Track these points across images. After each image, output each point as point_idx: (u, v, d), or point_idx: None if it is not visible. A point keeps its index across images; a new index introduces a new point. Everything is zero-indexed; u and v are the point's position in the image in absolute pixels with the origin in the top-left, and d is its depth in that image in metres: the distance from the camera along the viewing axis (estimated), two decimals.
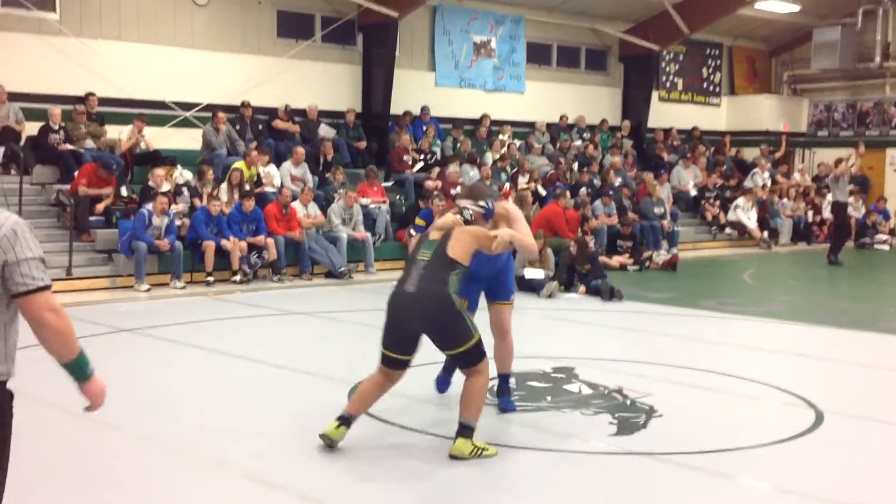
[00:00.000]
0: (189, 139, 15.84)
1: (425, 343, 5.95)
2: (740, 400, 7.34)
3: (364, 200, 15.29)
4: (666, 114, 22.92)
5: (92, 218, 13.11)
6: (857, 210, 21.24)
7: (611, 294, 12.39)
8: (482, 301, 6.97)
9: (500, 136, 19.02)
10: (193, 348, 9.07)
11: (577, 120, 21.01)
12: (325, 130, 16.97)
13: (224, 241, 13.06)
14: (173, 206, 13.25)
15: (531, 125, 20.20)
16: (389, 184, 16.81)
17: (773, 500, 5.25)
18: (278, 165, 15.50)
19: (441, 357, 6.57)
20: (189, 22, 16.16)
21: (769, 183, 21.40)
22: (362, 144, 17.46)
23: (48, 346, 3.35)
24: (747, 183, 21.19)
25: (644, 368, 8.22)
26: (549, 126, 20.37)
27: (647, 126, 22.25)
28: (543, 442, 6.08)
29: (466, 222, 6.12)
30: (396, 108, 18.06)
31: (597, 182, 18.52)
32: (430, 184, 16.21)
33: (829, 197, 17.69)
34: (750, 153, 22.92)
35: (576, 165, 18.99)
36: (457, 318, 5.73)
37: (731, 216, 20.06)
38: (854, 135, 24.11)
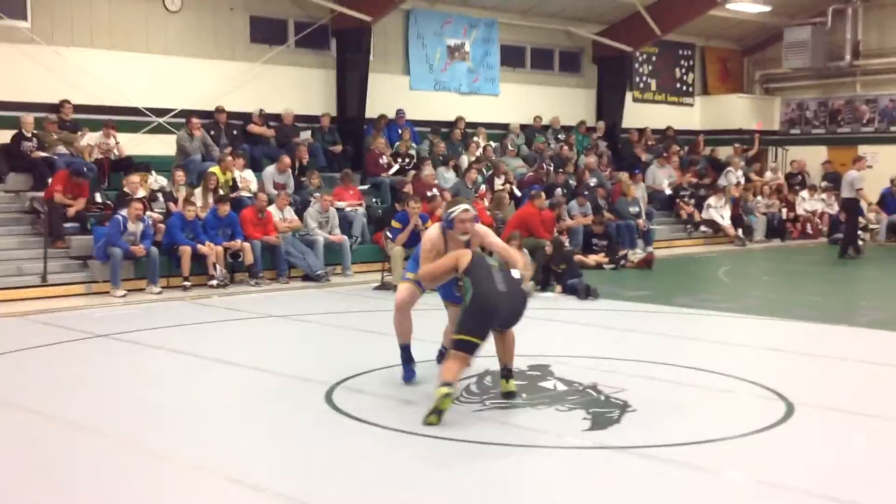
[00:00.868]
0: (163, 145, 15.81)
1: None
2: (713, 394, 7.43)
3: (340, 204, 15.32)
4: (640, 114, 23.08)
5: (66, 224, 13.07)
6: (830, 206, 21.49)
7: (586, 293, 12.48)
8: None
9: (475, 139, 19.09)
10: (170, 352, 9.06)
11: (551, 121, 21.13)
12: (305, 135, 16.98)
13: (200, 246, 13.04)
14: (148, 213, 13.22)
15: (506, 127, 20.29)
16: (365, 187, 16.84)
17: (746, 490, 5.33)
18: (254, 170, 15.49)
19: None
20: (162, 28, 16.13)
21: (743, 181, 21.59)
22: (338, 148, 17.48)
23: None
24: (721, 181, 21.38)
25: (619, 365, 8.29)
26: (523, 127, 20.49)
27: (622, 126, 22.40)
28: (518, 438, 6.13)
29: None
30: (371, 111, 18.10)
31: (572, 182, 18.63)
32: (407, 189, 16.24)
33: (845, 193, 17.78)
34: (724, 152, 23.11)
35: (551, 166, 19.08)
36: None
37: (705, 214, 20.23)
38: (826, 132, 24.39)
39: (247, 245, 13.52)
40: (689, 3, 21.17)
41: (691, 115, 24.76)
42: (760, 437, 6.18)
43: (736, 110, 24.62)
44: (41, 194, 13.32)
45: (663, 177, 20.83)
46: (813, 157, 23.83)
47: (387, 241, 13.95)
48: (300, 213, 14.85)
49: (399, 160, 17.48)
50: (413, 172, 17.01)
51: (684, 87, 24.72)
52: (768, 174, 22.91)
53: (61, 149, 14.10)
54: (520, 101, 20.95)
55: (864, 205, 18.52)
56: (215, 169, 14.64)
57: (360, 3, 17.44)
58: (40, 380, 7.91)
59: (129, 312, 11.51)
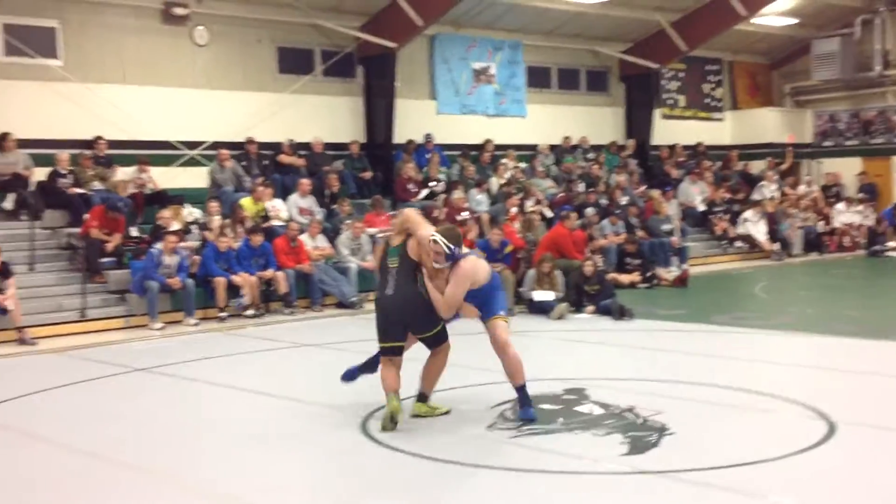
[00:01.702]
0: (196, 177, 16.00)
1: None
2: (752, 414, 7.34)
3: (371, 230, 15.36)
4: (670, 131, 22.99)
5: (103, 259, 13.22)
6: (867, 218, 21.21)
7: (621, 313, 12.40)
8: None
9: (503, 161, 19.11)
10: (207, 384, 9.11)
11: (580, 140, 21.10)
12: (338, 164, 17.10)
13: (234, 277, 13.14)
14: (182, 245, 13.35)
15: (534, 148, 20.29)
16: (395, 213, 16.86)
17: None
18: (285, 199, 15.61)
19: None
20: (191, 62, 16.35)
21: (777, 195, 21.40)
22: (367, 175, 17.58)
23: None
24: (755, 195, 21.20)
25: (656, 386, 8.22)
26: (552, 148, 20.47)
27: (652, 143, 22.32)
28: (555, 464, 6.08)
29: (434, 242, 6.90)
30: (400, 137, 18.21)
31: (604, 202, 18.57)
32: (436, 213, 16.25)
33: None
34: (756, 166, 22.96)
35: (581, 186, 19.04)
36: (428, 308, 7.06)
37: (741, 229, 20.05)
38: (859, 143, 24.13)
39: (280, 274, 13.60)
40: (714, 18, 21.08)
41: (722, 130, 24.61)
42: (803, 457, 6.09)
43: (767, 124, 24.44)
44: (78, 230, 13.50)
45: (696, 193, 20.70)
46: (847, 169, 23.57)
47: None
48: (332, 240, 14.91)
49: (429, 185, 17.53)
50: (443, 196, 17.05)
51: (713, 103, 24.59)
52: (802, 187, 22.68)
53: (97, 184, 14.30)
54: (547, 121, 20.96)
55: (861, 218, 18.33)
56: (245, 200, 14.76)
57: (385, 30, 17.59)
58: (80, 415, 7.97)
59: (167, 345, 11.61)
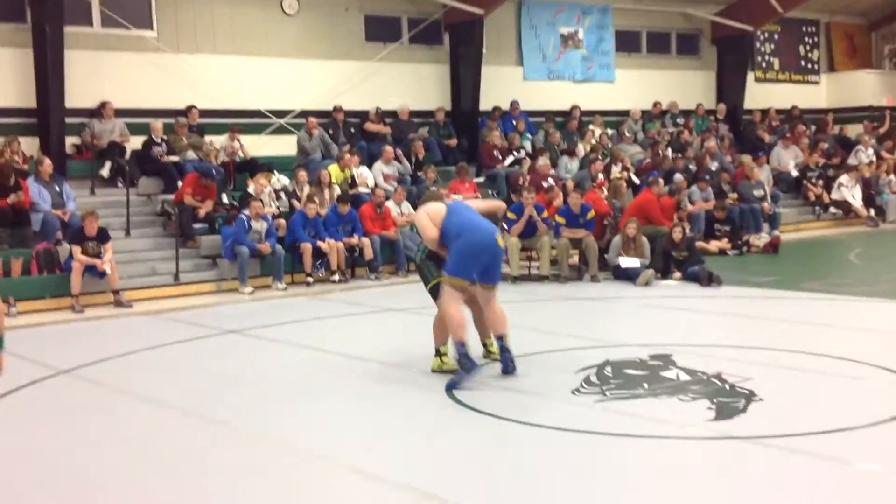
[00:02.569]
0: (285, 145, 16.25)
1: None
2: (844, 381, 7.17)
3: (457, 197, 15.37)
4: (763, 94, 22.37)
5: (196, 225, 13.57)
6: None
7: (709, 279, 12.19)
8: None
9: (590, 127, 18.88)
10: (296, 347, 9.30)
11: (669, 105, 20.71)
12: (423, 131, 17.19)
13: (321, 243, 13.34)
14: (267, 210, 13.61)
15: (623, 114, 20.00)
16: (481, 179, 16.88)
17: (882, 480, 5.12)
18: (369, 167, 15.75)
19: None
20: (280, 32, 16.55)
21: (874, 160, 20.66)
22: (453, 142, 17.60)
23: None
24: (851, 160, 20.51)
25: (743, 353, 8.08)
26: (643, 113, 20.15)
27: (744, 108, 21.78)
28: (640, 429, 6.04)
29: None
30: (486, 104, 18.14)
31: (692, 167, 18.22)
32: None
33: None
34: (853, 130, 22.18)
35: (669, 151, 18.71)
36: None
37: (836, 195, 19.44)
38: None
39: (366, 240, 13.75)
40: None
41: (817, 94, 23.84)
42: (893, 425, 5.93)
43: (865, 87, 23.57)
44: (171, 197, 13.86)
45: (789, 158, 20.12)
46: None
47: (503, 233, 13.94)
48: (418, 207, 14.97)
49: (514, 153, 17.45)
50: (528, 163, 16.97)
51: (809, 65, 23.80)
52: None
53: (190, 153, 14.65)
54: (636, 86, 20.61)
55: None
56: (332, 168, 14.95)
57: None
58: (176, 375, 8.24)
59: (257, 308, 11.88)
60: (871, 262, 14.67)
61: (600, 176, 16.49)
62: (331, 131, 16.27)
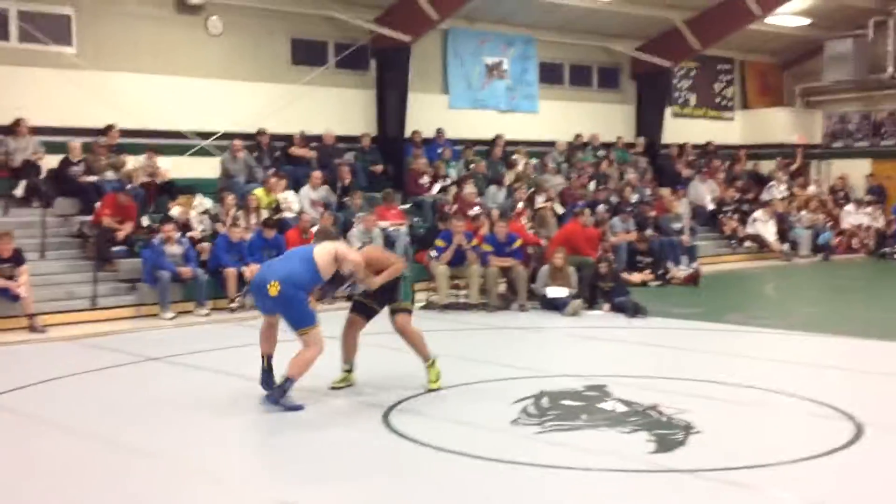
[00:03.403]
0: (208, 167, 15.90)
1: None
2: (778, 413, 7.28)
3: (383, 223, 15.29)
4: (680, 129, 22.89)
5: (115, 248, 13.14)
6: (875, 220, 21.14)
7: (635, 311, 12.34)
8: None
9: (515, 157, 19.03)
10: (220, 374, 9.03)
11: (591, 138, 21.02)
12: (349, 156, 17.05)
13: (244, 268, 13.06)
14: (188, 234, 13.27)
15: (545, 144, 20.21)
16: (407, 206, 16.82)
17: None
18: (296, 191, 15.54)
19: None
20: (204, 52, 16.26)
21: (787, 195, 21.32)
22: (379, 168, 17.51)
23: None
24: (765, 196, 21.13)
25: (676, 385, 8.16)
26: (568, 144, 20.42)
27: (662, 142, 22.25)
28: (582, 461, 6.02)
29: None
30: (411, 131, 18.13)
31: (614, 199, 18.50)
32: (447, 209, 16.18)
33: None
34: (766, 166, 22.88)
35: (592, 184, 18.97)
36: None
37: (751, 229, 19.97)
38: (870, 145, 24.05)
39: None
40: (728, 18, 20.94)
41: (732, 130, 24.52)
42: (832, 458, 6.03)
43: (777, 124, 24.35)
44: (89, 218, 13.42)
45: (706, 192, 20.62)
46: (856, 171, 23.50)
47: (431, 260, 13.90)
48: (344, 233, 14.82)
49: (440, 180, 17.46)
50: (454, 191, 16.99)
51: (724, 102, 24.50)
52: (812, 188, 22.61)
53: (109, 173, 14.21)
54: (559, 117, 20.87)
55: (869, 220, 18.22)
56: (258, 191, 14.69)
57: (399, 23, 17.51)
58: (95, 404, 7.89)
59: (180, 334, 11.54)
60: (787, 294, 15.08)
61: (520, 205, 16.58)
62: (255, 154, 16.02)
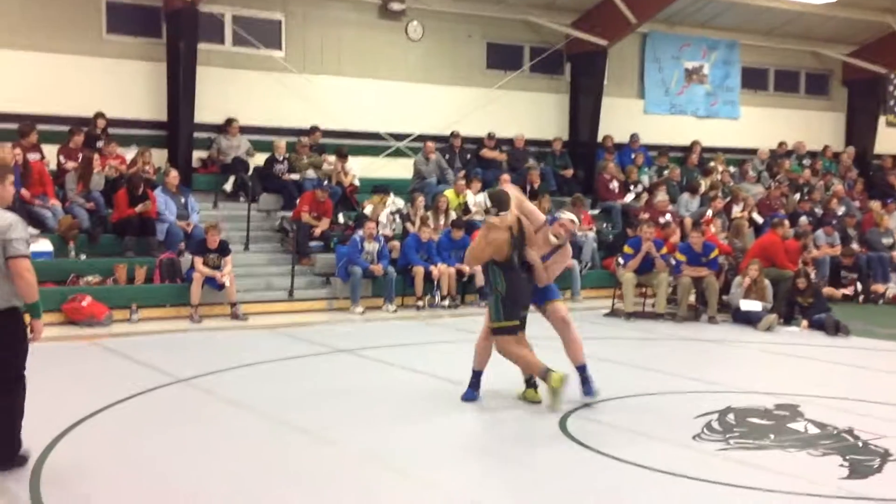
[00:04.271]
0: (401, 168, 16.34)
1: None
2: None
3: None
4: (895, 139, 21.47)
5: (311, 243, 13.73)
6: None
7: (836, 329, 11.66)
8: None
9: (711, 163, 18.42)
10: (405, 370, 9.22)
11: (795, 146, 20.06)
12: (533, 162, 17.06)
13: (432, 268, 13.30)
14: (383, 231, 13.67)
15: (745, 152, 19.47)
16: (596, 212, 16.63)
17: None
18: None
19: None
20: (403, 56, 16.70)
21: None
22: (569, 172, 17.41)
23: (21, 291, 5.55)
24: None
25: (875, 408, 7.64)
26: (770, 153, 19.59)
27: (874, 152, 20.94)
28: (767, 482, 5.72)
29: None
30: (603, 135, 17.91)
31: (818, 211, 17.57)
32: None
33: None
34: None
35: (796, 195, 18.10)
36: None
37: None
38: None
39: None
40: None
41: None
42: None
43: None
44: (290, 214, 14.07)
45: None
46: None
47: (618, 267, 13.67)
48: None
49: (632, 186, 17.16)
50: (646, 198, 16.64)
51: None
52: None
53: (310, 172, 14.85)
54: (761, 124, 20.07)
55: None
56: (448, 192, 14.94)
57: (596, 27, 17.35)
58: (289, 390, 8.24)
59: (368, 329, 11.89)
60: None
61: (709, 213, 16.00)
62: (447, 156, 16.30)
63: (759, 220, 16.47)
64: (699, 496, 5.52)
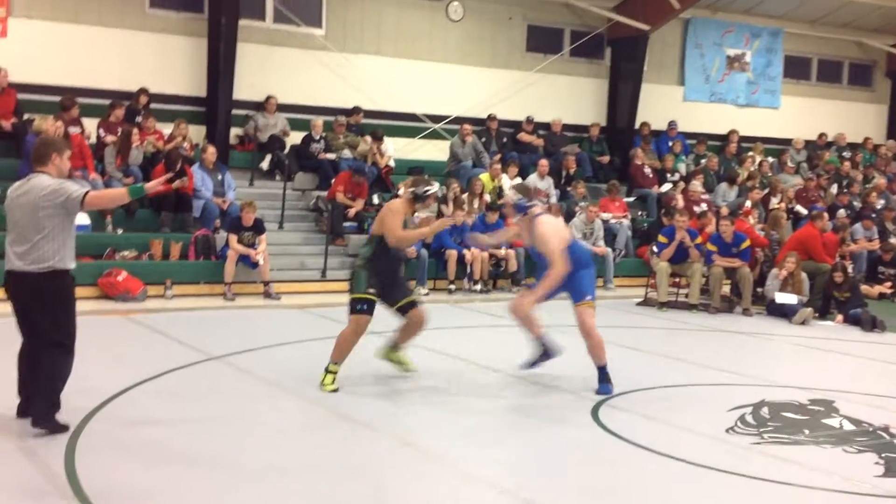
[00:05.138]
0: (437, 150, 16.32)
1: None
2: None
3: (605, 215, 15.09)
4: None
5: (346, 224, 13.75)
6: None
7: (872, 324, 11.52)
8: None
9: (750, 153, 18.21)
10: (433, 353, 9.21)
11: (836, 138, 19.78)
12: (572, 147, 16.96)
13: (465, 252, 13.28)
14: (416, 214, 13.61)
15: (785, 142, 19.23)
16: (631, 199, 16.51)
17: None
18: (522, 177, 15.60)
19: None
20: (443, 37, 16.64)
21: None
22: (605, 159, 17.30)
23: (112, 205, 6.96)
24: None
25: None
26: (806, 143, 19.32)
27: None
28: (800, 478, 5.68)
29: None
30: (640, 122, 17.76)
31: (857, 204, 17.33)
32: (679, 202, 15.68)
33: None
34: None
35: (835, 187, 17.86)
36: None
37: None
38: None
39: (511, 252, 13.62)
40: None
41: None
42: None
43: None
44: (325, 194, 14.09)
45: None
46: None
47: (652, 256, 13.58)
48: (566, 222, 14.74)
49: (668, 174, 17.01)
50: (682, 186, 16.49)
51: None
52: None
53: (346, 152, 14.86)
54: (802, 114, 19.82)
55: None
56: (484, 176, 14.89)
57: (639, 11, 17.18)
58: (318, 370, 8.26)
59: None
60: None
61: (748, 204, 15.83)
62: (483, 139, 16.24)
63: (804, 211, 16.26)
64: (732, 489, 5.48)
